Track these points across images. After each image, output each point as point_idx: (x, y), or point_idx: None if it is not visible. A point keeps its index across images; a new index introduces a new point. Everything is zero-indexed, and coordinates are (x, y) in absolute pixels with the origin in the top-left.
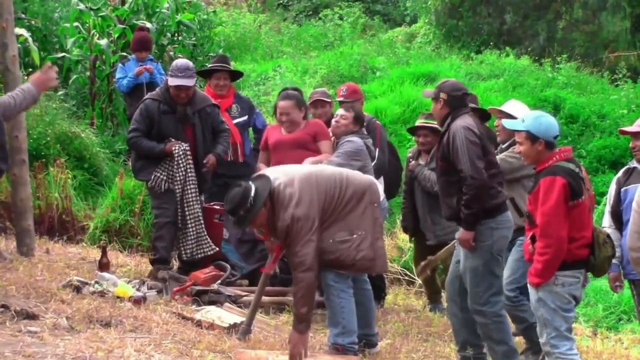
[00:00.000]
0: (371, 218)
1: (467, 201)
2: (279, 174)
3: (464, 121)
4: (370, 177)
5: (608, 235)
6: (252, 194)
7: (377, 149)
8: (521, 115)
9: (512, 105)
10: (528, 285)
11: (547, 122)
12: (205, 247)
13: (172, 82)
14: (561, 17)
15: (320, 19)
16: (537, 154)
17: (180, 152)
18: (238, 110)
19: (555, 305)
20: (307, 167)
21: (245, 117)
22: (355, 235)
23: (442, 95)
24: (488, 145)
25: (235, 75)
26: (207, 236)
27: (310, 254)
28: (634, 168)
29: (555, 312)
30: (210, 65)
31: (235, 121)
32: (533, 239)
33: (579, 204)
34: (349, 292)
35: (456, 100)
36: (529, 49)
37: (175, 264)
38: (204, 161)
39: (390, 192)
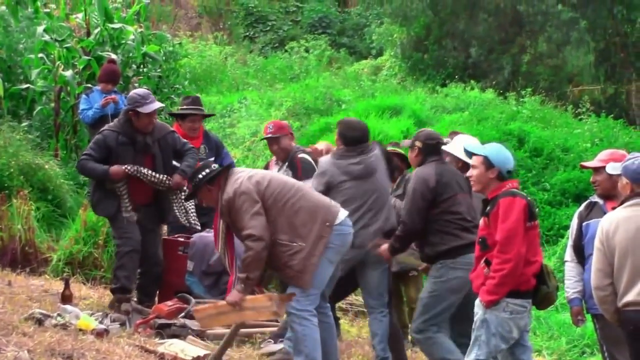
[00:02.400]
0: (317, 235)
1: (396, 237)
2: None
3: (425, 171)
4: (332, 202)
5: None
6: (213, 167)
7: None
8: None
9: (459, 142)
10: (476, 304)
11: (506, 154)
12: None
13: (147, 108)
14: (526, 51)
15: (286, 51)
16: (487, 182)
17: (134, 169)
18: (206, 151)
19: (497, 330)
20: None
21: (212, 158)
22: (294, 244)
23: (417, 144)
24: (450, 192)
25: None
26: None
27: (258, 226)
28: (595, 202)
29: (493, 337)
30: (185, 108)
31: None
32: (488, 263)
33: (533, 227)
34: (312, 320)
35: (429, 148)
36: (494, 82)
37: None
38: (168, 181)
39: None
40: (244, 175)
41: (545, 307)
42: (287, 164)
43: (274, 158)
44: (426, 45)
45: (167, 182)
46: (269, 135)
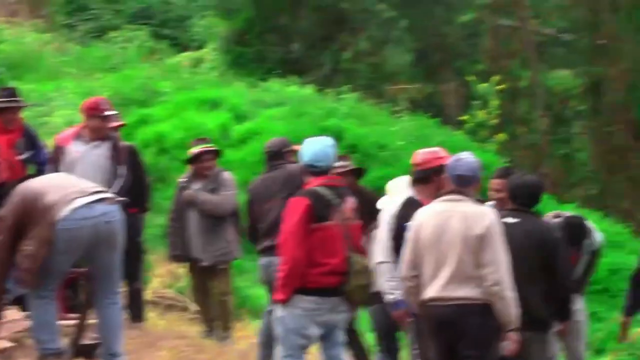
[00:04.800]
0: (40, 235)
1: None
2: None
3: None
4: (70, 197)
5: (366, 266)
6: None
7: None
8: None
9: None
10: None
11: (312, 148)
12: None
13: None
14: (346, 49)
15: (106, 41)
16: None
17: None
18: (24, 145)
19: (292, 326)
20: None
21: (32, 152)
22: (26, 247)
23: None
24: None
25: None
26: None
27: None
28: (414, 200)
29: (290, 333)
30: (2, 101)
31: (21, 157)
32: None
33: (323, 228)
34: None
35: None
36: (314, 78)
37: None
38: None
39: (141, 207)
40: None
41: (354, 305)
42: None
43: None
44: (248, 39)
45: None
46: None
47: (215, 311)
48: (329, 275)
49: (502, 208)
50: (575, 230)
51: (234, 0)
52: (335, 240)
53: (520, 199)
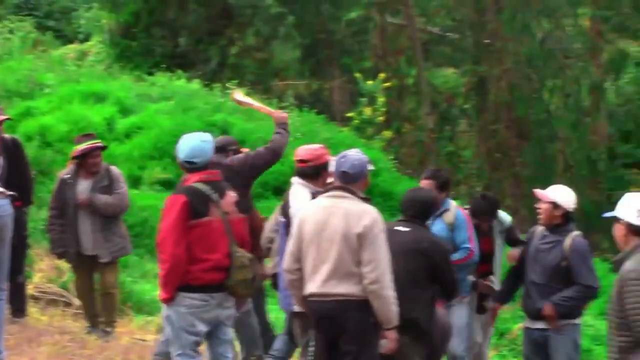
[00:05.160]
0: None
1: None
2: None
3: None
4: None
5: (251, 260)
6: None
7: None
8: None
9: None
10: None
11: (188, 145)
12: None
13: None
14: (234, 43)
15: None
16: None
17: None
18: None
19: (179, 325)
20: None
21: None
22: None
23: None
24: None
25: None
26: None
27: None
28: None
29: (180, 331)
30: None
31: None
32: None
33: (201, 224)
34: None
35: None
36: (201, 73)
37: None
38: None
39: (25, 201)
40: None
41: (240, 298)
42: None
43: None
44: (134, 32)
45: None
46: None
47: (100, 306)
48: (211, 271)
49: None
50: (493, 202)
51: None
52: (215, 236)
53: (412, 211)
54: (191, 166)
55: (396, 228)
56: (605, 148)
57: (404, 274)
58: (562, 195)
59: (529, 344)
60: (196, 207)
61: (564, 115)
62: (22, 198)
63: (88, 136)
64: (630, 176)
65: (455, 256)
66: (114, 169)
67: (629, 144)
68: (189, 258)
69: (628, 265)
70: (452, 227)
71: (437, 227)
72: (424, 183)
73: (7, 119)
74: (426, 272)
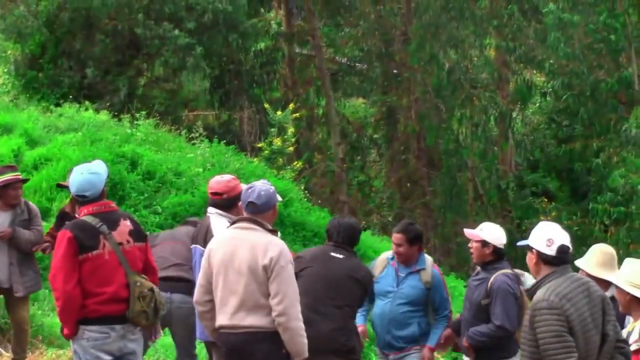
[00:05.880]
0: None
1: None
2: None
3: None
4: None
5: (151, 289)
6: None
7: None
8: None
9: None
10: None
11: (76, 179)
12: None
13: None
14: (142, 74)
15: None
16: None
17: None
18: None
19: (84, 359)
20: None
21: None
22: None
23: None
24: None
25: None
26: None
27: None
28: None
29: None
30: None
31: None
32: None
33: (90, 258)
34: None
35: None
36: (109, 104)
37: None
38: None
39: None
40: None
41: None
42: None
43: None
44: (41, 63)
45: None
46: None
47: (12, 341)
48: (109, 303)
49: (401, 261)
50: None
51: (26, 24)
52: (108, 268)
53: (340, 238)
54: (83, 200)
55: (332, 254)
56: (513, 177)
57: (344, 300)
58: (491, 232)
59: None
60: (82, 241)
61: (472, 144)
62: None
63: (9, 167)
64: (539, 205)
65: (437, 330)
66: (32, 204)
67: (537, 173)
68: (83, 292)
69: (539, 294)
70: (429, 286)
71: (412, 283)
72: (395, 237)
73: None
74: (361, 300)
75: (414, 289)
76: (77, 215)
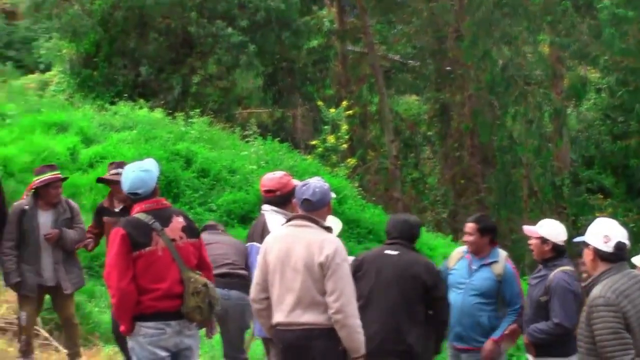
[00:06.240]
0: None
1: None
2: None
3: None
4: None
5: (205, 285)
6: None
7: None
8: None
9: None
10: None
11: (128, 177)
12: None
13: None
14: (196, 72)
15: None
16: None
17: None
18: None
19: (142, 355)
20: None
21: None
22: None
23: None
24: None
25: None
26: None
27: None
28: None
29: None
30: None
31: None
32: None
33: (143, 255)
34: None
35: None
36: (163, 102)
37: None
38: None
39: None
40: None
41: (200, 325)
42: None
43: None
44: (96, 62)
45: None
46: None
47: (65, 338)
48: (164, 299)
49: (472, 250)
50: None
51: (81, 23)
52: (162, 265)
53: (396, 233)
54: (135, 197)
55: (386, 252)
56: (568, 173)
57: (397, 299)
58: (550, 229)
59: None
60: (135, 238)
61: (527, 141)
62: None
63: (50, 167)
64: (595, 201)
65: (504, 324)
66: (72, 202)
67: (592, 170)
68: (137, 289)
69: (595, 291)
70: (501, 279)
71: (484, 275)
72: (467, 226)
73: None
74: (418, 296)
75: (485, 281)
76: (114, 210)
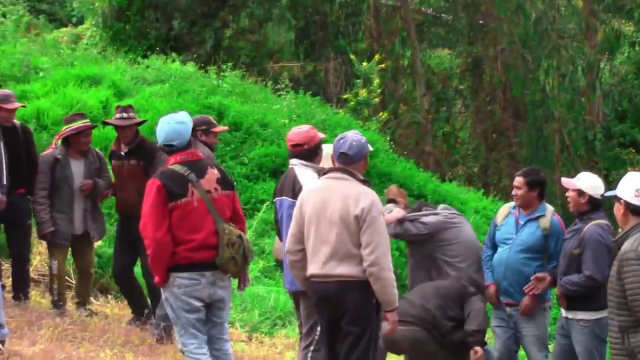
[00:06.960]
0: None
1: None
2: None
3: None
4: None
5: (240, 236)
6: None
7: None
8: None
9: None
10: None
11: (163, 129)
12: None
13: None
14: (228, 26)
15: None
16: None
17: None
18: None
19: (176, 305)
20: None
21: None
22: None
23: None
24: None
25: None
26: None
27: None
28: None
29: (178, 312)
30: None
31: None
32: None
33: (179, 206)
34: None
35: None
36: (196, 55)
37: None
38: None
39: (30, 188)
40: None
41: (237, 277)
42: None
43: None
44: (128, 15)
45: None
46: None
47: (81, 284)
48: (199, 250)
49: (520, 204)
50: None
51: None
52: (197, 216)
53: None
54: (170, 149)
55: None
56: (601, 128)
57: None
58: (587, 182)
59: (558, 329)
60: (171, 189)
61: (559, 95)
62: (27, 186)
63: (79, 115)
64: (627, 155)
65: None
66: (99, 151)
67: (624, 124)
68: (173, 240)
69: (626, 245)
70: (547, 233)
71: (530, 230)
72: (516, 180)
73: (21, 106)
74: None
75: (531, 236)
76: (121, 153)
